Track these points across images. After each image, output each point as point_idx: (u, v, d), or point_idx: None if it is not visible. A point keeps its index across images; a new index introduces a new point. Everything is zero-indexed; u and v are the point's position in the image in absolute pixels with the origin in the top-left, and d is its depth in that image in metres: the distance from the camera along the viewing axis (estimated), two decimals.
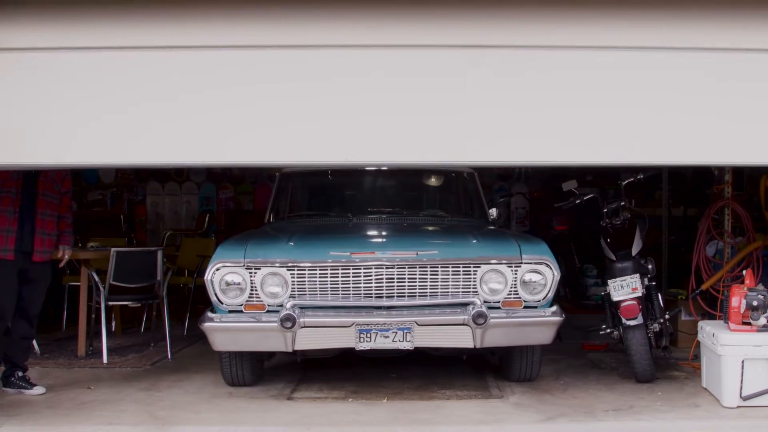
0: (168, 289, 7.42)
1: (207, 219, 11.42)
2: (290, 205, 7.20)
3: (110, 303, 7.17)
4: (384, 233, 6.16)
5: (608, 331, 6.26)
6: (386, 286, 5.38)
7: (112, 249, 7.06)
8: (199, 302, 7.93)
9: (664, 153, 5.05)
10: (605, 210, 6.62)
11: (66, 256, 6.12)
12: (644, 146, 5.01)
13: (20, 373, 5.88)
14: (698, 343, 5.93)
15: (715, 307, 6.65)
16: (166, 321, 7.21)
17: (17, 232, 5.67)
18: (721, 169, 6.77)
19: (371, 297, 5.39)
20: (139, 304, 7.75)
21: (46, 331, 8.19)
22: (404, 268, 5.39)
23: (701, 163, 5.51)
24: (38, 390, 5.82)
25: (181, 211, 12.59)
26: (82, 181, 11.29)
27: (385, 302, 5.39)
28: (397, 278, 5.39)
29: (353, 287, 5.39)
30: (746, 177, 7.63)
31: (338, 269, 5.39)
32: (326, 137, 4.98)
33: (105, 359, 6.84)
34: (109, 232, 9.72)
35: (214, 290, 5.39)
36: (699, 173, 8.86)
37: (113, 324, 8.17)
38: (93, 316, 7.32)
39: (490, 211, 6.97)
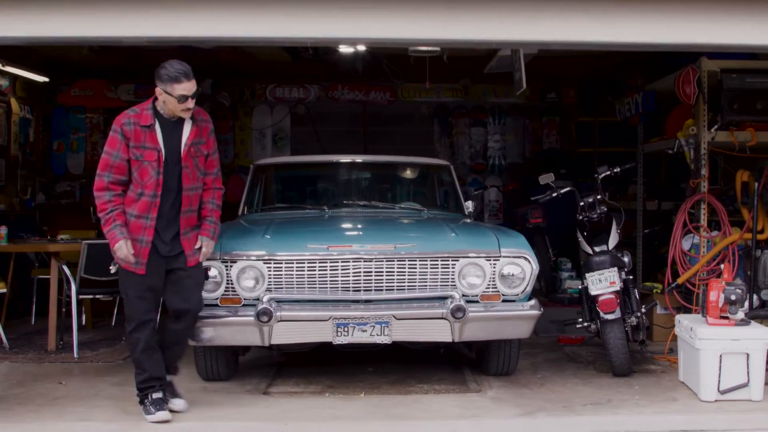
0: None
1: None
2: (264, 198, 7.13)
3: (81, 296, 7.04)
4: (361, 226, 6.11)
5: (585, 324, 6.27)
6: (364, 280, 5.31)
7: (84, 242, 6.93)
8: None
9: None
10: (581, 203, 6.62)
11: (204, 249, 5.10)
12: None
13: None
14: (674, 336, 5.95)
15: (690, 300, 6.68)
16: None
17: (156, 240, 4.96)
18: (698, 162, 6.78)
19: (349, 291, 5.32)
20: (111, 297, 7.64)
21: (15, 326, 8.05)
22: (382, 261, 5.33)
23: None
24: (179, 404, 5.13)
25: None
26: (50, 172, 11.09)
27: (363, 296, 5.33)
28: (375, 272, 5.32)
29: (330, 281, 5.31)
30: (721, 171, 7.65)
31: (315, 263, 5.31)
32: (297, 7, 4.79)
33: (76, 354, 6.73)
34: (78, 224, 9.55)
35: None
36: (674, 166, 8.87)
37: (83, 317, 8.04)
38: (63, 309, 7.19)
39: (466, 203, 6.93)
